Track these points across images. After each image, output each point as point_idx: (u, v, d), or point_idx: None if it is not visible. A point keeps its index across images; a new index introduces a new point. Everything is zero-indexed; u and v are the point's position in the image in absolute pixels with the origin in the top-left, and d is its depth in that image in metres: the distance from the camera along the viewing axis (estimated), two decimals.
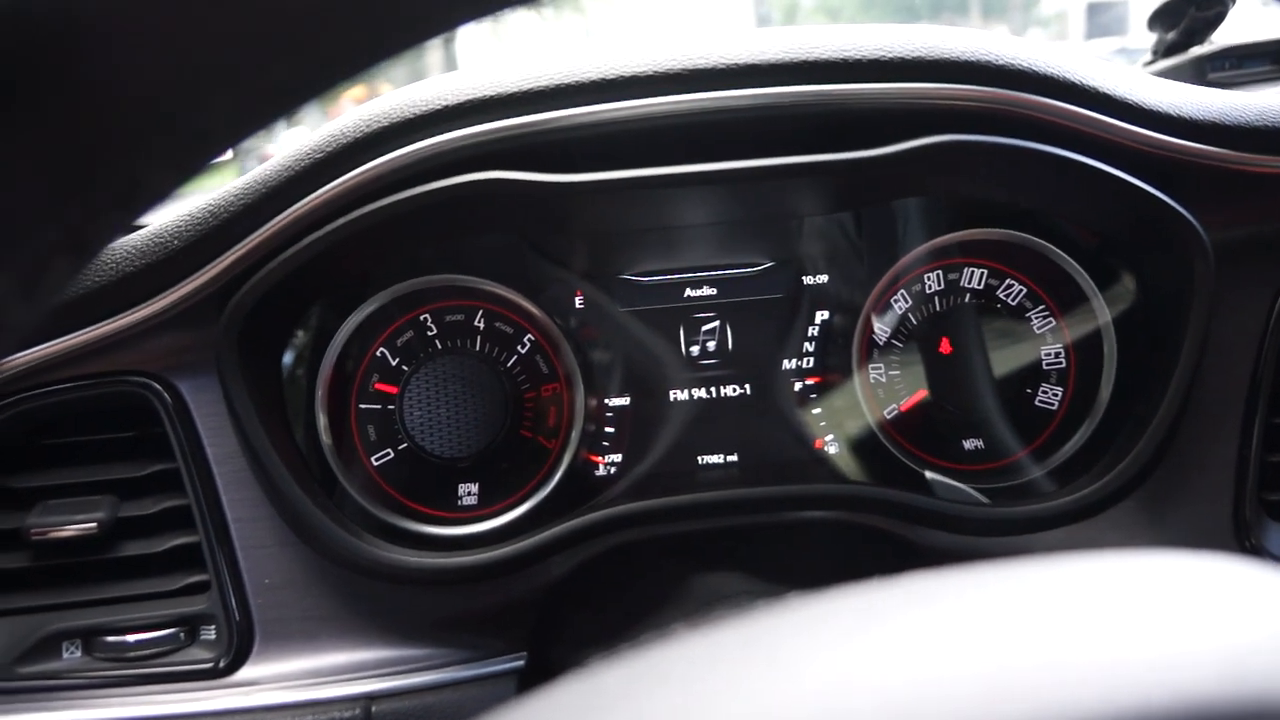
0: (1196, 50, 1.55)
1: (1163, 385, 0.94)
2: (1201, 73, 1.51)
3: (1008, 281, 1.04)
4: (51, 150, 0.29)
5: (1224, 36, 1.53)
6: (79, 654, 0.93)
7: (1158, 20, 1.57)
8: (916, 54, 0.85)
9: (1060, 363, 1.04)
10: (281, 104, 0.31)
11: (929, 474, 1.04)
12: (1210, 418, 0.98)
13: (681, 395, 1.05)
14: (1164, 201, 0.89)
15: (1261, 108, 0.92)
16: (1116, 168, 0.87)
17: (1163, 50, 1.59)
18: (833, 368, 1.05)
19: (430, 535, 1.02)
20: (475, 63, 0.94)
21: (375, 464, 1.03)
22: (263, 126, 0.32)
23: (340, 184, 0.86)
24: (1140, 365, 1.00)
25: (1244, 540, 0.97)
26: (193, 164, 0.32)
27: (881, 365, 1.05)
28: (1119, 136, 0.88)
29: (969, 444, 1.05)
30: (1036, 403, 1.05)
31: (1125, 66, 1.00)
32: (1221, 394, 0.98)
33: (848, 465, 1.06)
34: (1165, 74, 1.53)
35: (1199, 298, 0.90)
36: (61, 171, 0.29)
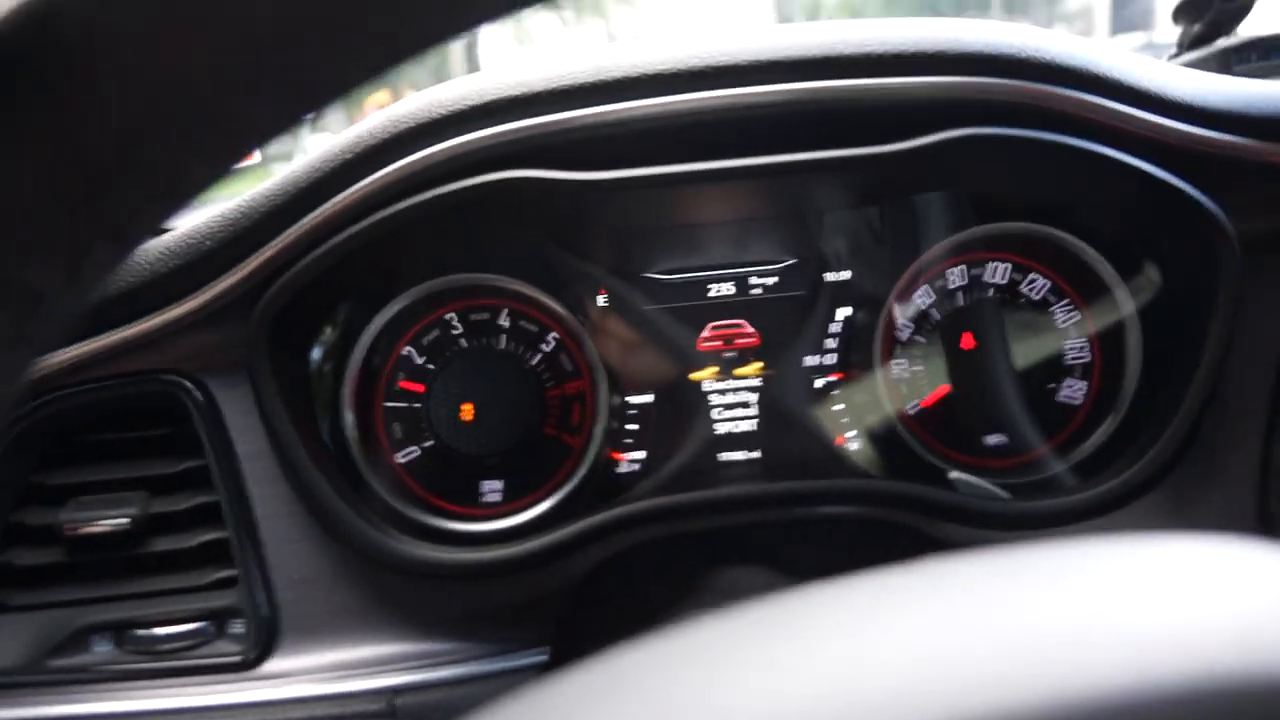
0: (1222, 43, 1.54)
1: (1187, 379, 0.94)
2: (1227, 65, 1.50)
3: (1031, 276, 1.04)
4: (97, 138, 0.29)
5: (1250, 28, 1.52)
6: (109, 647, 0.95)
7: (1183, 13, 1.57)
8: (940, 48, 0.85)
9: (1084, 357, 1.04)
10: (316, 99, 0.32)
11: (953, 474, 1.04)
12: (1235, 412, 0.97)
13: (703, 392, 1.06)
14: (1188, 193, 0.88)
15: None
16: (1140, 159, 0.87)
17: (1188, 43, 1.58)
18: (855, 363, 1.05)
19: (454, 531, 1.03)
20: (497, 65, 0.95)
21: (400, 461, 1.04)
22: (295, 122, 0.32)
23: (368, 183, 0.87)
24: (1165, 359, 1.00)
25: (1270, 536, 0.97)
26: (231, 157, 0.32)
27: (904, 360, 1.05)
28: (1142, 129, 0.87)
29: (992, 440, 1.05)
30: (1059, 398, 1.04)
31: (1148, 58, 0.99)
32: (1247, 388, 0.97)
33: (869, 461, 1.06)
34: (1191, 67, 1.52)
35: (1224, 289, 0.90)
36: (107, 160, 0.30)
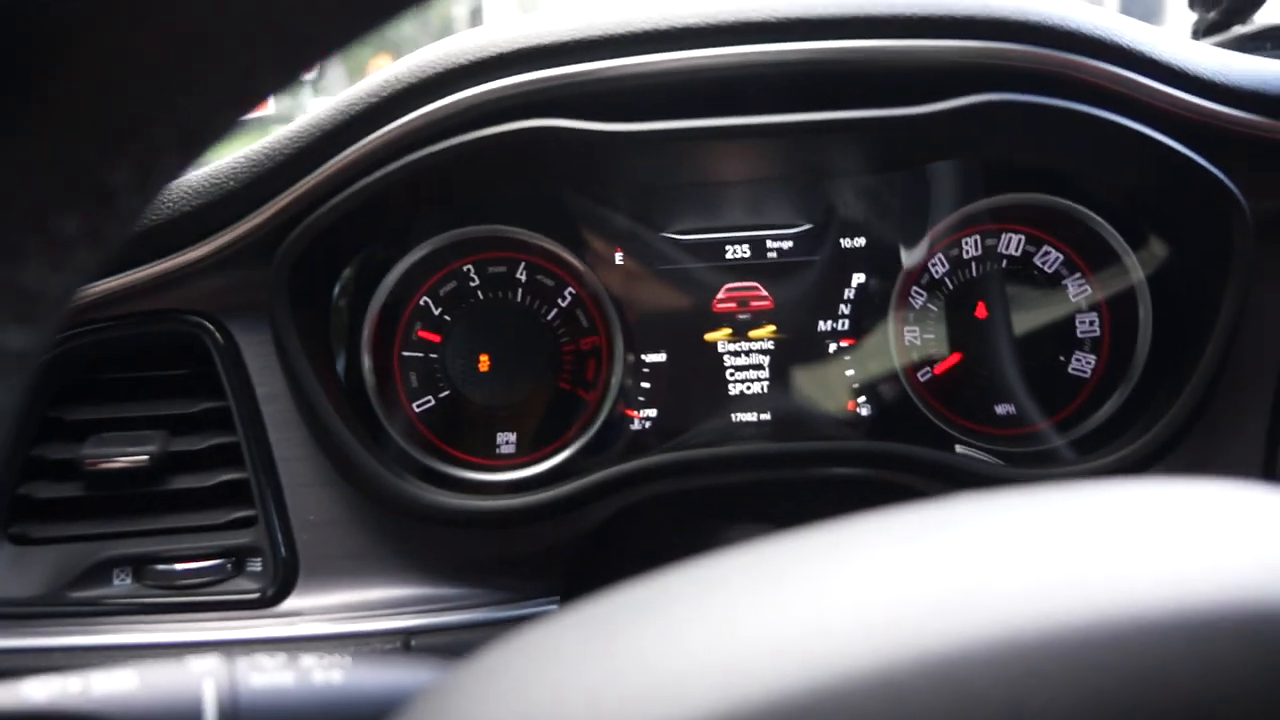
0: (1238, 30, 1.54)
1: (1196, 354, 0.95)
2: (1243, 53, 1.50)
3: (1045, 248, 1.05)
4: (172, 43, 0.30)
5: (1266, 16, 1.53)
6: (129, 581, 0.96)
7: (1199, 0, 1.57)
8: (966, 12, 0.86)
9: (1094, 331, 1.05)
10: (380, 12, 0.33)
11: (958, 448, 1.06)
12: (1241, 388, 0.99)
13: (717, 353, 1.07)
14: (1204, 167, 0.89)
15: None
16: (1159, 132, 0.88)
17: (1203, 30, 1.59)
18: (868, 329, 1.07)
19: (468, 480, 1.04)
20: (518, 18, 0.95)
21: (417, 410, 1.05)
22: (357, 36, 0.33)
23: (394, 129, 0.87)
24: (1175, 335, 1.01)
25: None
26: (297, 67, 0.34)
27: (916, 328, 1.06)
28: (1162, 101, 0.88)
29: (1001, 409, 1.06)
30: (1069, 370, 1.06)
31: (1172, 34, 1.00)
32: (1252, 367, 0.99)
33: (879, 426, 1.07)
34: None
35: (1237, 264, 0.91)
36: (182, 62, 0.31)
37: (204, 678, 0.56)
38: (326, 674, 0.60)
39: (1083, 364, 1.06)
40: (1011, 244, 1.05)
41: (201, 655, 0.57)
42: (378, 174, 0.89)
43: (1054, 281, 1.05)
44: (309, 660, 0.60)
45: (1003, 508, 0.40)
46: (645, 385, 1.07)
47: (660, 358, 1.07)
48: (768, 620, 0.35)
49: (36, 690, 0.51)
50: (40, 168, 0.31)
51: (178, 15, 0.30)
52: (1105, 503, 0.39)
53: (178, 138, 0.33)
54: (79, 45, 0.29)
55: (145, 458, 0.95)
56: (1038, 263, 1.05)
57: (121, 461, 0.95)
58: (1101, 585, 0.33)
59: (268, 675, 0.57)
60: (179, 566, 0.96)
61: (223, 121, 0.34)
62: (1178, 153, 0.89)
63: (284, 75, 0.33)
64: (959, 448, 1.06)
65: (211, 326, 0.96)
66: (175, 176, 0.34)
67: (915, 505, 0.39)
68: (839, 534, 0.40)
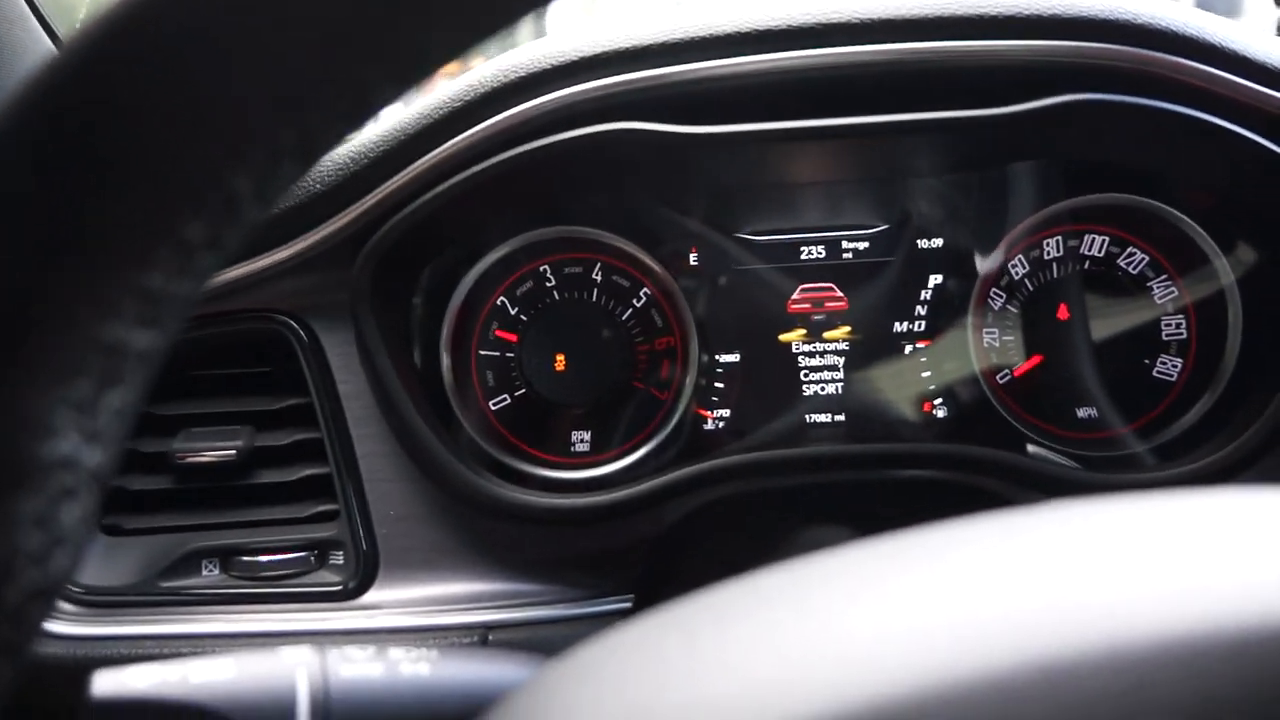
0: None
1: None
2: None
3: (1129, 250, 1.03)
4: (299, 58, 0.32)
5: None
6: (217, 572, 0.99)
7: None
8: (1050, 11, 0.85)
9: (1181, 334, 1.03)
10: (490, 25, 0.34)
11: (1030, 448, 1.05)
12: None
13: (791, 354, 1.07)
14: None
15: None
16: (1251, 130, 0.86)
17: None
18: (944, 331, 1.06)
19: (543, 477, 1.06)
20: (567, 28, 0.96)
21: (493, 408, 1.06)
22: (469, 47, 0.34)
23: (477, 132, 0.89)
24: (1265, 339, 0.99)
25: None
26: (412, 79, 0.35)
27: (995, 330, 1.05)
28: (1254, 99, 0.86)
29: (1081, 412, 1.04)
30: (1154, 373, 1.03)
31: (1265, 33, 0.98)
32: None
33: (955, 428, 1.06)
34: None
35: None
36: (305, 78, 0.32)
37: (297, 668, 0.57)
38: (414, 666, 0.61)
39: (1168, 368, 1.03)
40: (1094, 245, 1.03)
41: (295, 646, 0.58)
42: (460, 177, 0.90)
43: (1139, 283, 1.03)
44: (397, 653, 0.61)
45: (1101, 514, 0.40)
46: (719, 385, 1.07)
47: (734, 358, 1.07)
48: (866, 625, 0.34)
49: (138, 678, 0.53)
50: (173, 179, 0.32)
51: (306, 34, 0.31)
52: (1217, 509, 0.39)
53: (297, 147, 0.34)
54: (216, 61, 0.31)
55: (233, 452, 0.98)
56: (1122, 264, 1.03)
57: (210, 455, 0.98)
58: (1215, 595, 0.33)
59: (357, 666, 0.59)
60: (264, 558, 0.99)
61: (338, 132, 0.35)
62: (1270, 151, 0.87)
63: (399, 89, 0.35)
64: (1031, 447, 1.05)
65: (296, 325, 0.99)
66: (290, 185, 0.35)
67: (1020, 510, 0.39)
68: (939, 539, 0.39)
